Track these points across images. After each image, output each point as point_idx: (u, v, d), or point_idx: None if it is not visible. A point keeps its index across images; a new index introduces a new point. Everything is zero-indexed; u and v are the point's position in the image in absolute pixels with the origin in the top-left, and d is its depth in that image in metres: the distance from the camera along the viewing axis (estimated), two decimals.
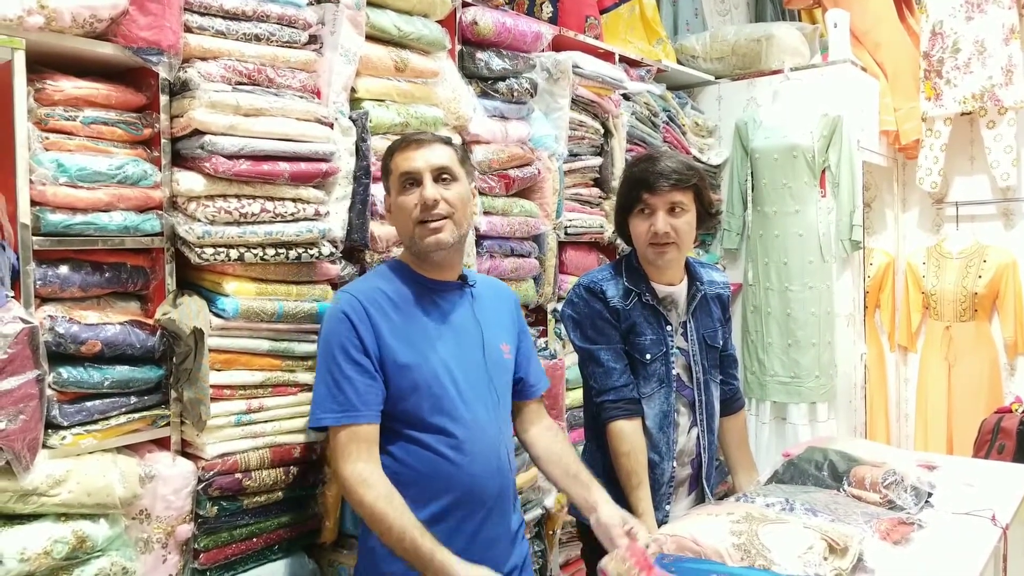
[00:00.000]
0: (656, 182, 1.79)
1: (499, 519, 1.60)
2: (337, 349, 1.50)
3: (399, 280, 1.61)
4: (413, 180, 1.56)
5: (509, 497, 1.64)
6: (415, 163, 1.56)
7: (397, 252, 2.06)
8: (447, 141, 1.63)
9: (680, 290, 1.93)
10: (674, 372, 1.88)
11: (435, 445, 1.52)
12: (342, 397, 1.48)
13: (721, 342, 2.00)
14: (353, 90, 2.00)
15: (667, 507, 1.88)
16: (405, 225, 1.58)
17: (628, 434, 1.81)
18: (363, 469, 1.46)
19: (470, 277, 1.69)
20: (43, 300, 1.55)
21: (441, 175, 1.57)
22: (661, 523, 1.81)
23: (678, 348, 1.90)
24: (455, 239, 1.58)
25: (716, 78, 3.67)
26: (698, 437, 1.93)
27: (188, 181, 1.67)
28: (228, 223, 1.69)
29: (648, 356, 1.86)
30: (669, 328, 1.89)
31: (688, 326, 1.92)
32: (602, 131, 2.90)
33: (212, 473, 1.68)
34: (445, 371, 1.54)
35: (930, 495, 1.86)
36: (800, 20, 4.29)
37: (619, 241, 2.84)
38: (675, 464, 1.88)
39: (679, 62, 3.56)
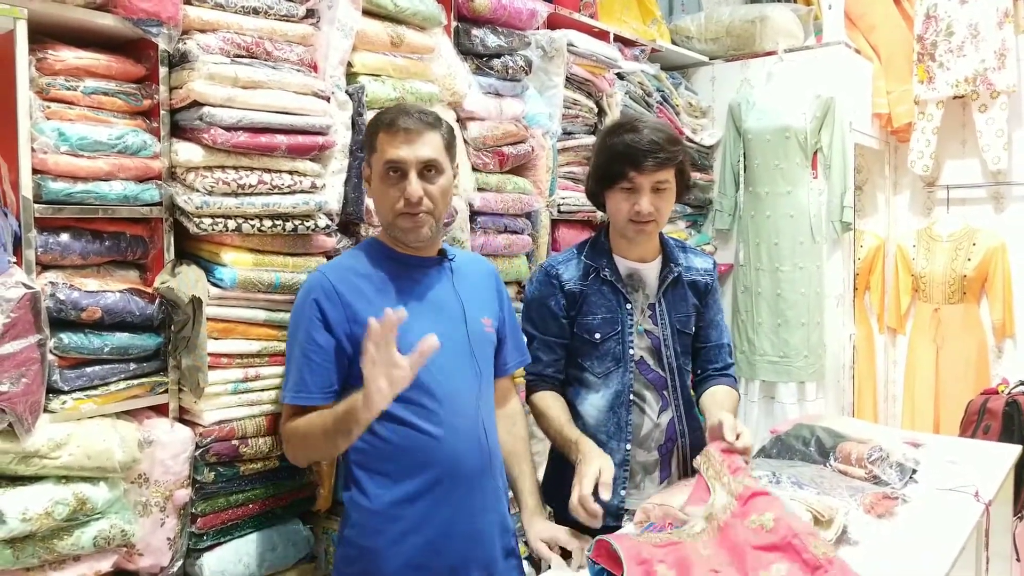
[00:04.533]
0: (643, 160, 1.70)
1: (482, 493, 1.60)
2: (300, 329, 1.55)
3: (375, 258, 1.61)
4: (398, 170, 1.54)
5: (494, 470, 1.64)
6: (402, 155, 1.53)
7: None
8: (436, 126, 1.58)
9: (650, 269, 1.87)
10: (632, 352, 1.82)
11: (413, 420, 1.53)
12: (298, 377, 1.53)
13: (692, 329, 1.91)
14: (349, 64, 2.01)
15: (622, 492, 1.80)
16: (385, 210, 1.58)
17: (546, 397, 1.83)
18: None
19: (449, 252, 1.69)
20: (44, 267, 1.57)
21: (427, 168, 1.55)
22: (616, 509, 1.77)
23: (644, 329, 1.84)
24: (434, 231, 1.60)
25: (710, 59, 3.67)
26: (672, 423, 1.86)
27: (187, 152, 1.69)
28: (226, 194, 1.72)
29: (598, 336, 1.82)
30: (629, 307, 1.83)
31: (657, 308, 1.85)
32: (596, 110, 2.92)
33: (209, 440, 1.71)
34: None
35: (915, 471, 1.86)
36: (795, 2, 4.29)
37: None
38: (629, 447, 1.81)
39: (674, 42, 3.57)
